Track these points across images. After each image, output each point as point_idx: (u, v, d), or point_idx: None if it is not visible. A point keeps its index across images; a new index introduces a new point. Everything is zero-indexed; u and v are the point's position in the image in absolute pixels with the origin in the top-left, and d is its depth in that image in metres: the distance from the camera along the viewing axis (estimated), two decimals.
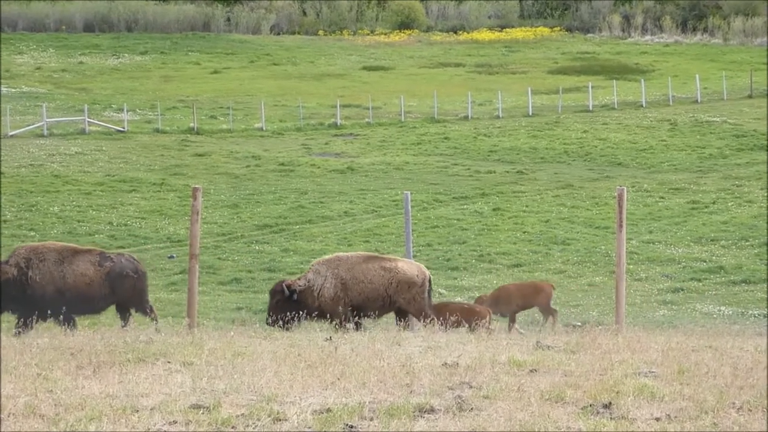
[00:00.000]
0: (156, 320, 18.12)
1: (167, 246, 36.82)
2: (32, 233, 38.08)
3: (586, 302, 28.76)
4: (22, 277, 17.66)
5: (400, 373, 11.27)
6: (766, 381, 10.86)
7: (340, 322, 16.73)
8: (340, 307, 16.96)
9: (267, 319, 17.20)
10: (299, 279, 17.35)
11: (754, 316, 25.82)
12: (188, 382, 10.83)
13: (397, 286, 17.23)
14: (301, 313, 17.02)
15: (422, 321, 17.14)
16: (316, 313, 17.08)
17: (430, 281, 17.68)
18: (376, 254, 18.38)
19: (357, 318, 17.02)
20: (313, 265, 17.53)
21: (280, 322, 16.70)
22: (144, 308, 18.41)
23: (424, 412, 9.73)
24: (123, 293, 18.14)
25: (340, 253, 17.95)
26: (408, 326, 17.13)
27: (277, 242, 37.44)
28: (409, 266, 17.59)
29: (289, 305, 17.05)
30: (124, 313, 18.38)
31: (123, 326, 17.43)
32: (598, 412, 9.72)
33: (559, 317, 24.06)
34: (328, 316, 16.94)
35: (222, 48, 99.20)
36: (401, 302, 17.24)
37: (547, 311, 20.55)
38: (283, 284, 17.29)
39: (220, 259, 34.69)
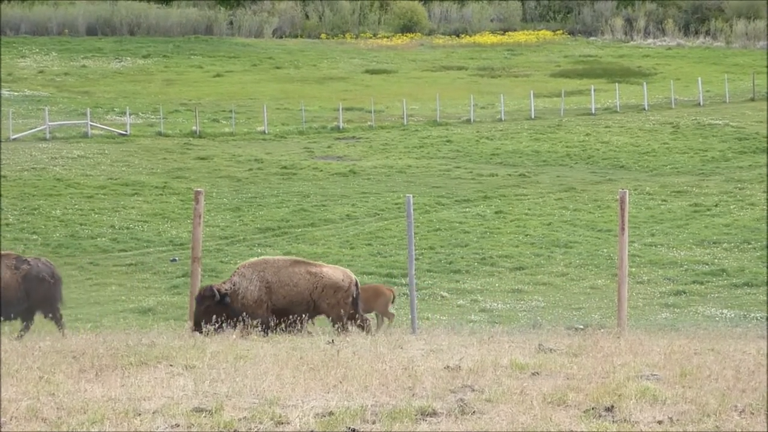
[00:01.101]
0: (63, 329, 17.75)
1: (169, 249, 36.85)
2: (34, 236, 38.12)
3: (588, 305, 28.77)
4: None
5: (403, 376, 11.28)
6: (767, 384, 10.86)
7: (263, 325, 16.40)
8: (262, 310, 16.73)
9: (196, 326, 16.59)
10: (224, 283, 17.10)
11: (756, 319, 25.81)
12: (190, 386, 10.84)
13: (322, 291, 17.08)
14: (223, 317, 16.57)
15: (349, 325, 16.92)
16: (242, 315, 16.63)
17: (357, 286, 17.53)
18: (303, 259, 18.22)
19: (280, 322, 16.74)
20: (239, 268, 17.28)
21: (213, 327, 16.09)
22: (55, 314, 18.16)
23: (427, 415, 9.73)
24: (37, 297, 17.93)
25: (267, 257, 17.76)
26: (339, 329, 16.91)
27: (280, 245, 37.43)
28: (335, 271, 17.45)
29: (216, 310, 16.66)
30: (29, 317, 18.12)
31: (21, 334, 17.16)
32: (600, 415, 9.73)
33: (562, 320, 24.06)
34: (250, 318, 16.58)
35: (224, 51, 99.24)
36: (324, 307, 17.07)
37: (385, 315, 20.45)
38: (214, 288, 16.94)
39: (223, 263, 34.69)
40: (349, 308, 17.27)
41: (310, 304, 17.09)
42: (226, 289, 16.90)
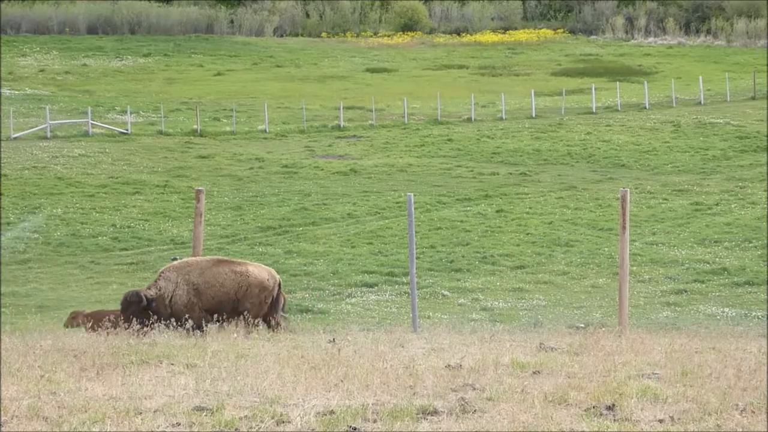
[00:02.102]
0: None
1: (170, 248, 36.85)
2: (35, 235, 38.12)
3: (589, 304, 28.76)
4: None
5: (404, 375, 11.28)
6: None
7: (198, 327, 16.14)
8: (195, 313, 16.45)
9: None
10: (149, 288, 16.79)
11: (758, 318, 25.80)
12: (191, 384, 10.84)
13: (247, 290, 16.85)
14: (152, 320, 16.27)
15: (269, 326, 16.71)
16: (169, 320, 16.35)
17: (280, 285, 17.29)
18: (226, 258, 17.87)
19: (207, 322, 16.50)
20: (162, 272, 16.96)
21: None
22: None
23: (428, 414, 9.73)
24: None
25: (189, 258, 17.47)
26: (251, 329, 16.71)
27: (281, 244, 37.44)
28: (260, 270, 17.21)
29: (143, 315, 16.37)
30: None
31: None
32: (601, 414, 9.72)
33: (563, 319, 24.06)
34: (181, 321, 16.30)
35: (225, 50, 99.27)
36: (249, 306, 16.80)
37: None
38: (141, 293, 16.63)
39: None
40: (272, 307, 17.05)
41: (236, 303, 16.83)
42: (151, 295, 16.63)
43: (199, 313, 16.54)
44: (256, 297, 16.94)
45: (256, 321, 16.56)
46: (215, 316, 16.65)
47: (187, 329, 15.83)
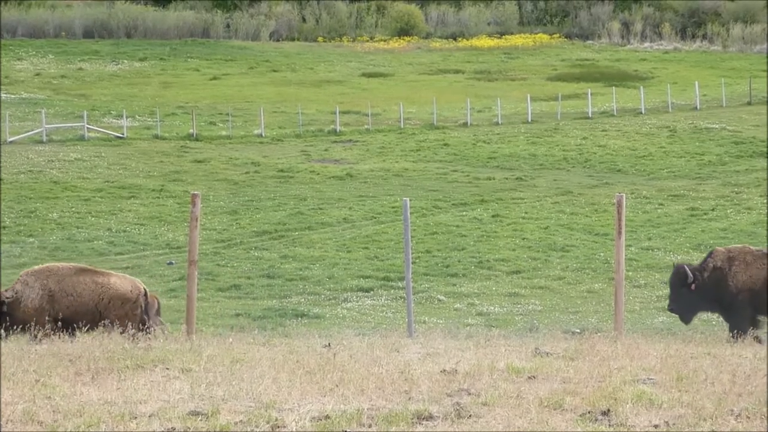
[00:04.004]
0: None
1: (166, 252, 36.83)
2: (31, 239, 38.08)
3: (585, 309, 28.75)
4: None
5: (399, 379, 11.28)
6: (764, 388, 10.86)
7: (41, 334, 15.78)
8: (42, 319, 16.18)
9: None
10: (7, 290, 16.67)
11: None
12: (186, 389, 10.83)
13: (109, 302, 16.69)
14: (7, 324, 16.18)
15: (141, 334, 16.27)
16: (22, 324, 16.21)
17: (146, 295, 17.08)
18: (90, 267, 17.62)
19: (66, 331, 16.09)
20: (22, 276, 16.87)
21: None
22: None
23: (423, 418, 9.73)
24: None
25: (52, 264, 17.26)
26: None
27: (276, 249, 37.42)
28: (122, 281, 17.06)
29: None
30: None
31: None
32: (596, 419, 9.73)
33: (559, 324, 24.06)
34: (30, 326, 16.06)
35: (221, 54, 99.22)
36: (112, 318, 16.60)
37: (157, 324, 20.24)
38: None
39: (219, 266, 34.69)
40: (137, 319, 16.78)
41: (96, 315, 16.63)
42: (8, 297, 16.48)
43: (46, 320, 16.27)
44: (119, 309, 16.73)
45: (126, 331, 16.09)
46: (74, 325, 16.24)
47: (35, 336, 15.55)
